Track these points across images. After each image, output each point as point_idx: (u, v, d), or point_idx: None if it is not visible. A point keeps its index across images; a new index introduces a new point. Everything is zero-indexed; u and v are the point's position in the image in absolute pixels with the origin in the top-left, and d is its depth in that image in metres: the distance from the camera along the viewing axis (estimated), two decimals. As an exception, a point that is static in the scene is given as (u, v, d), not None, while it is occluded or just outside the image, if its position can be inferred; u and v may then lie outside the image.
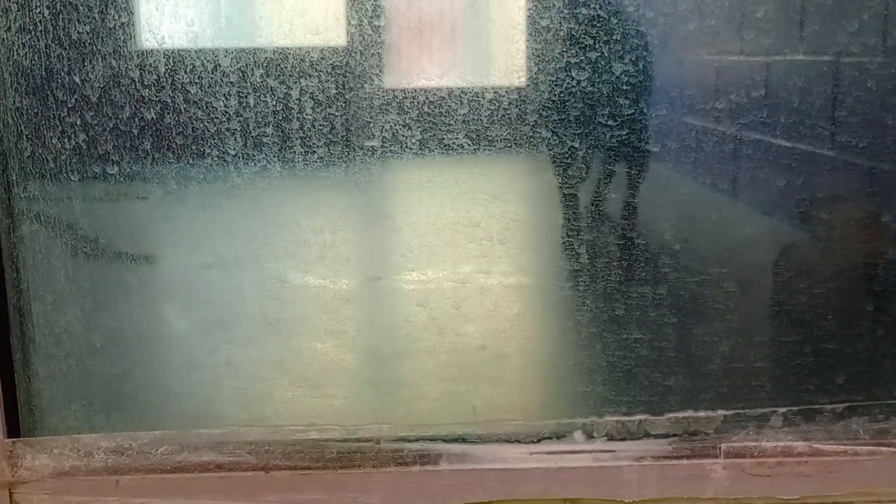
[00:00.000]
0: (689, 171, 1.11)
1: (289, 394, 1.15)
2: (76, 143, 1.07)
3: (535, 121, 1.08)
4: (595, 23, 1.05)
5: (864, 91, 1.07)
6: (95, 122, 1.07)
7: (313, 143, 1.08)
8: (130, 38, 1.04)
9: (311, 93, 1.07)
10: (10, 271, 1.09)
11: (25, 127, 1.06)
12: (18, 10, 1.03)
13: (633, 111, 1.07)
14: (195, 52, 1.05)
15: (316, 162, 1.09)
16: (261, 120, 1.07)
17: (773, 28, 1.07)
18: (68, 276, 1.11)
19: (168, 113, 1.07)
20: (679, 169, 1.10)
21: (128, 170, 1.09)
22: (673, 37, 1.07)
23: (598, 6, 1.05)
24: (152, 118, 1.07)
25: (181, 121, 1.07)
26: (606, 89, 1.07)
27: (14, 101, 1.06)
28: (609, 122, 1.07)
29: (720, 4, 1.06)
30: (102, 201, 1.11)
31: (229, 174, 1.09)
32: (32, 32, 1.04)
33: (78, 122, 1.06)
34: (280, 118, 1.07)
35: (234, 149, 1.07)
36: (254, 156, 1.08)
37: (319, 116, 1.07)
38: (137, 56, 1.04)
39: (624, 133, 1.08)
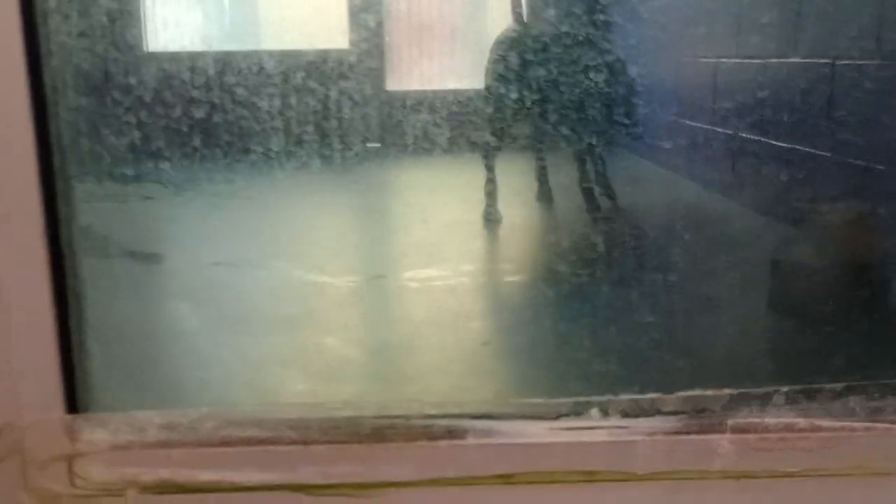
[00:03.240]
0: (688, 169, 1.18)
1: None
2: (131, 140, 1.15)
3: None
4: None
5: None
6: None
7: (318, 144, 1.13)
8: (140, 41, 1.10)
9: (314, 93, 1.12)
10: (69, 258, 1.16)
11: (84, 125, 1.14)
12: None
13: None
14: (200, 54, 1.11)
15: (321, 162, 1.14)
16: (266, 120, 1.12)
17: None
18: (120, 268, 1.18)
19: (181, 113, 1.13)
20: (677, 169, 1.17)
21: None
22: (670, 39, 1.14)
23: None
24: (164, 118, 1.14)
25: (193, 121, 1.13)
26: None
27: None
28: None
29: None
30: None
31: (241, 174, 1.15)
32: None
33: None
34: (286, 119, 1.12)
35: (241, 149, 1.13)
36: (261, 156, 1.14)
37: (324, 117, 1.13)
38: (146, 58, 1.10)
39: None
